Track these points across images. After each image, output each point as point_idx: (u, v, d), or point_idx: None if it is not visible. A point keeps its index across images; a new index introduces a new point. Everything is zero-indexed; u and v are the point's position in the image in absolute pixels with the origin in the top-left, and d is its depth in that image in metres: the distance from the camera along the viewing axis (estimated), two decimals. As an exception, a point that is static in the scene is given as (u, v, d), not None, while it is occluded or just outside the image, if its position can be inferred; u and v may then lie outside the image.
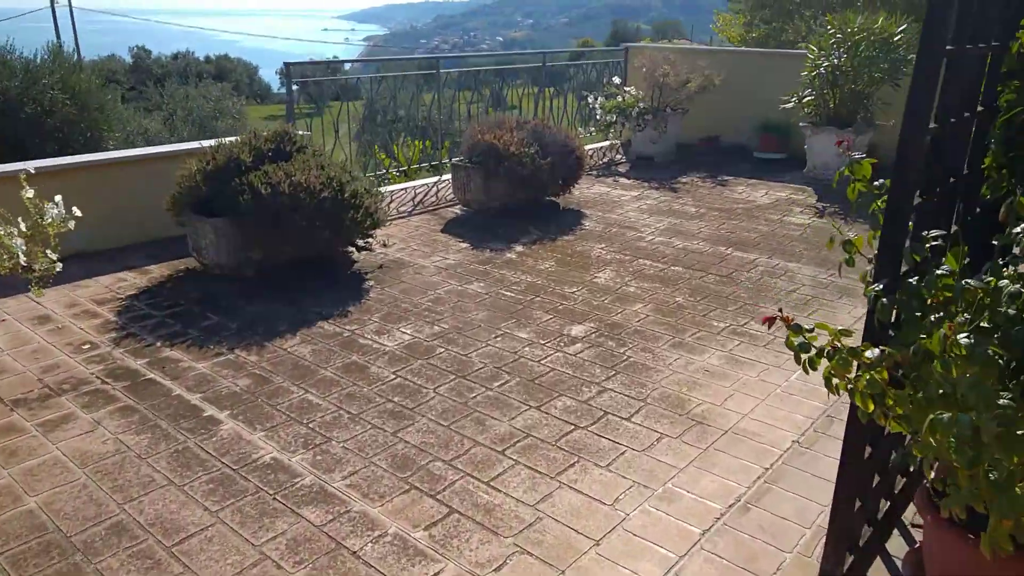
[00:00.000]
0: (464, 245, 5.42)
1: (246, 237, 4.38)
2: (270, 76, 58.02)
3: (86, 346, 3.68)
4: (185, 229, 4.56)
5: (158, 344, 3.71)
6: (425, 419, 3.04)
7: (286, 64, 6.23)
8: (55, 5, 20.93)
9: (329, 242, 4.56)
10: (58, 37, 20.43)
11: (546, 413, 3.09)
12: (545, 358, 3.59)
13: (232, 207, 4.31)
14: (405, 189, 7.15)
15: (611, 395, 3.24)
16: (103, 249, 5.09)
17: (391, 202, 6.65)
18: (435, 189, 7.12)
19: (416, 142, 9.17)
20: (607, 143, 8.94)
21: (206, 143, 5.19)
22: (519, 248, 5.35)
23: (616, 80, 8.53)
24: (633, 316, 4.11)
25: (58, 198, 3.58)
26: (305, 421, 3.02)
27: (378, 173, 8.39)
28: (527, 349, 3.69)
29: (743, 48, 9.24)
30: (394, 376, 3.40)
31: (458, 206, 6.53)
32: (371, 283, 4.58)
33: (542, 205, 6.45)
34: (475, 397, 3.21)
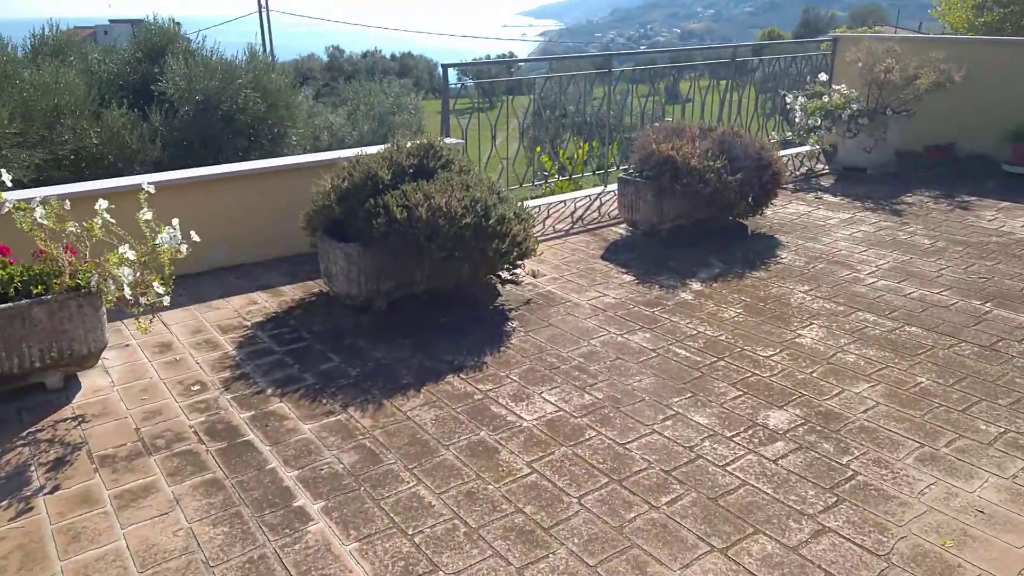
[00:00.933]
0: (628, 278, 4.55)
1: (379, 265, 3.83)
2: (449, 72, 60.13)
3: (196, 387, 3.28)
4: (318, 251, 4.11)
5: (269, 392, 3.23)
6: (563, 549, 2.24)
7: (443, 66, 5.69)
8: (263, 11, 22.52)
9: (470, 274, 3.90)
10: (264, 40, 22.02)
11: (736, 562, 2.18)
12: (733, 461, 2.66)
13: (366, 231, 3.77)
14: (564, 202, 6.38)
15: (833, 540, 2.25)
16: (245, 263, 4.81)
17: (547, 217, 5.91)
18: (598, 203, 6.29)
19: (584, 143, 8.40)
20: (805, 149, 7.61)
21: (347, 153, 4.75)
22: (696, 286, 4.39)
23: (823, 77, 7.18)
24: (856, 402, 3.04)
25: (175, 221, 3.20)
26: (411, 531, 2.34)
27: (537, 181, 7.71)
28: (707, 444, 2.77)
29: (987, 37, 7.52)
30: (529, 470, 2.64)
31: (623, 225, 5.66)
32: (515, 324, 3.86)
33: (725, 228, 5.41)
34: (633, 520, 2.37)
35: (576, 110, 30.84)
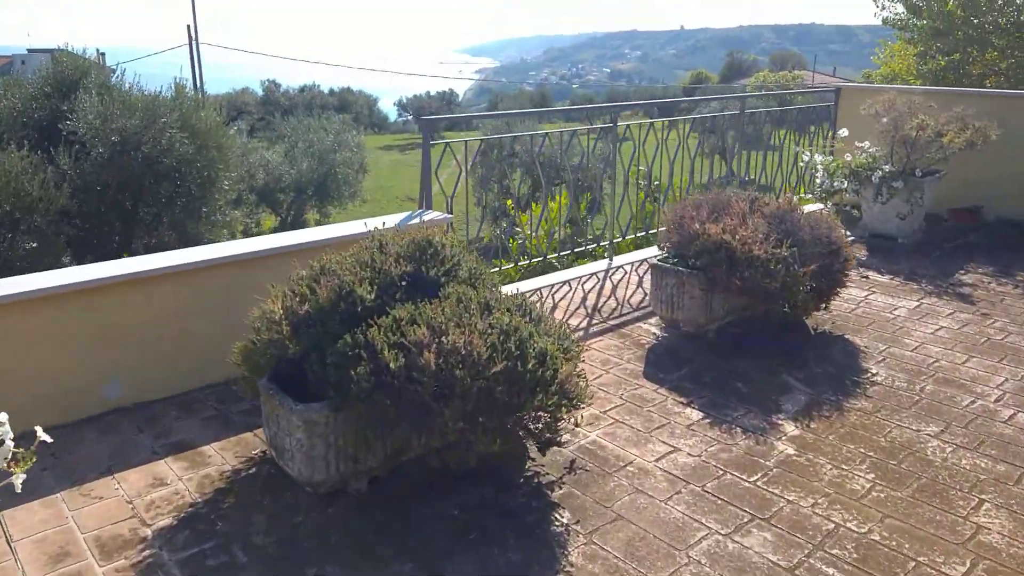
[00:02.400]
0: (694, 414, 3.37)
1: (359, 437, 2.52)
2: (388, 107, 58.77)
3: None
4: (262, 410, 2.76)
5: None
6: None
7: (422, 120, 4.46)
8: (192, 43, 20.88)
9: (501, 445, 2.63)
10: (193, 74, 20.31)
11: None
12: None
13: (339, 382, 2.47)
14: (567, 284, 5.21)
15: None
16: (153, 401, 3.40)
17: (552, 307, 4.71)
18: (608, 284, 5.15)
19: (560, 197, 7.26)
20: (820, 209, 6.69)
21: (303, 237, 3.48)
22: (790, 428, 3.24)
23: (844, 132, 6.29)
24: None
25: (3, 417, 1.84)
26: None
27: (505, 233, 6.50)
28: None
29: (1018, 92, 6.94)
30: None
31: (653, 318, 4.52)
32: (565, 517, 2.60)
33: (782, 325, 4.32)
34: None
35: (524, 149, 29.80)
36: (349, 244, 3.93)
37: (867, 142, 6.18)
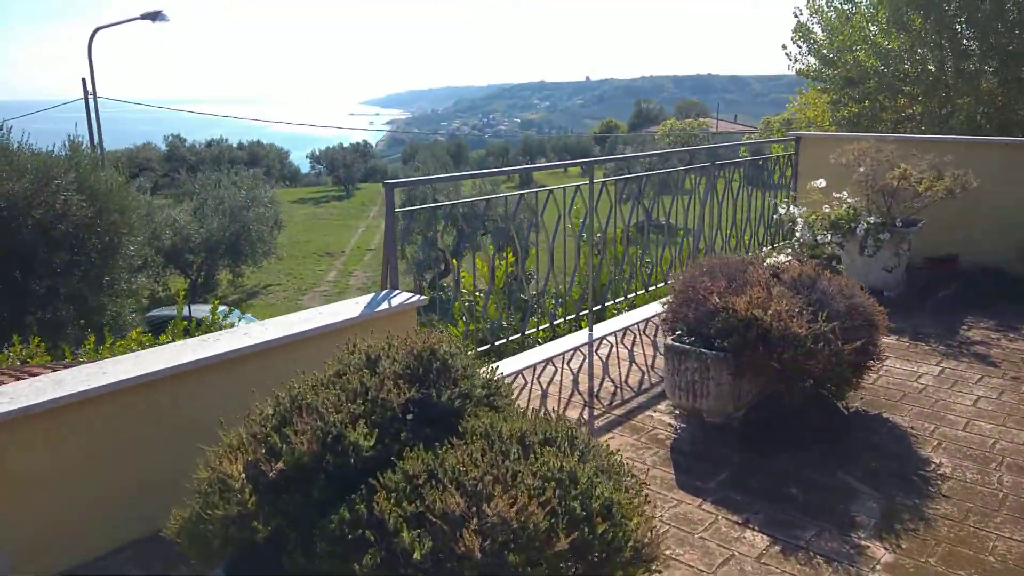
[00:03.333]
0: (758, 539, 2.72)
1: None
2: (299, 159, 57.28)
3: None
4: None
5: None
6: None
7: (385, 185, 3.73)
8: (89, 96, 19.36)
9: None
10: (91, 130, 18.75)
11: None
12: None
13: (331, 571, 1.69)
14: (550, 363, 4.54)
15: None
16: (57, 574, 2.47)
17: (543, 395, 4.03)
18: (597, 360, 4.52)
19: (508, 255, 6.62)
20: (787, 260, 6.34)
21: (238, 341, 2.70)
22: (878, 551, 2.63)
23: (820, 183, 5.99)
24: None
25: None
26: None
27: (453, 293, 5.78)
28: None
29: (993, 138, 6.94)
30: None
31: (662, 404, 3.90)
32: None
33: (813, 406, 3.78)
34: None
35: (447, 200, 29.46)
36: (312, 343, 3.17)
37: (844, 192, 5.89)
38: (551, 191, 4.68)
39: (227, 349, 2.89)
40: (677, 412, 3.82)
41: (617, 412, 3.87)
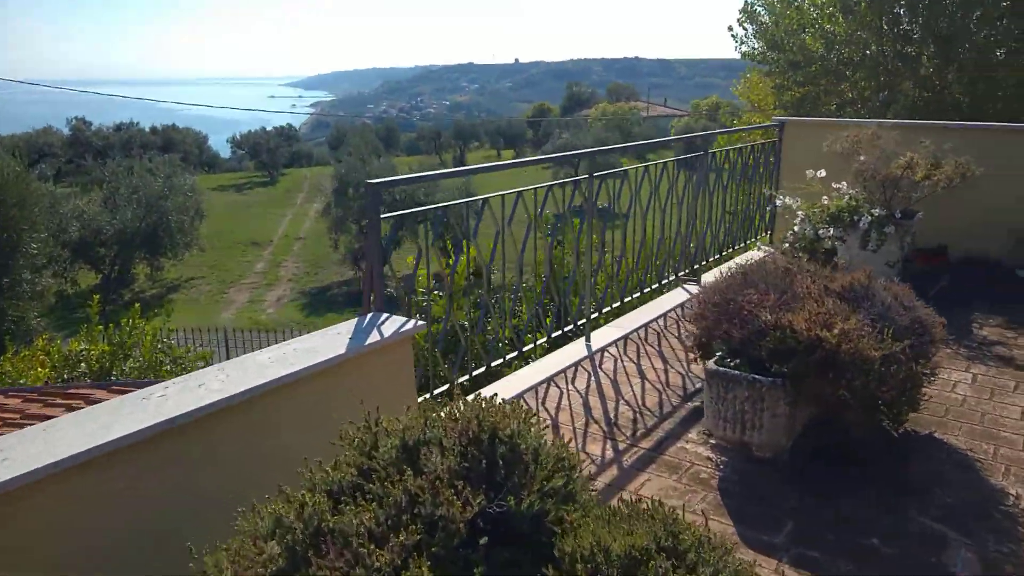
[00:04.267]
0: (866, 620, 2.25)
1: None
2: (219, 144, 54.36)
3: None
4: None
5: None
6: None
7: (368, 187, 3.04)
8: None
9: None
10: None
11: None
12: None
13: None
14: (552, 382, 3.98)
15: None
16: None
17: (554, 426, 3.46)
18: (605, 377, 3.97)
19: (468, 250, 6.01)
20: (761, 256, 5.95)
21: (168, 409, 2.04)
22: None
23: (820, 173, 5.60)
24: None
25: None
26: None
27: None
28: None
29: (985, 124, 6.71)
30: None
31: (692, 431, 3.40)
32: None
33: (861, 433, 3.34)
34: None
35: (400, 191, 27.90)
36: (289, 392, 2.50)
37: (843, 183, 5.53)
38: (550, 188, 4.08)
39: (176, 413, 2.19)
40: (712, 442, 3.32)
41: (644, 445, 3.34)
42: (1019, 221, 5.89)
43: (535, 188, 4.00)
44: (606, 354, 4.45)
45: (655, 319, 5.03)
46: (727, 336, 3.16)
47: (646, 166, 4.90)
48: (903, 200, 5.47)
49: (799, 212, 5.45)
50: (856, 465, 3.10)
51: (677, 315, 5.13)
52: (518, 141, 57.96)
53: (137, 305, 10.32)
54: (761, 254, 6.68)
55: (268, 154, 44.20)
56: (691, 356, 3.59)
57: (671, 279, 5.47)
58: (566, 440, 3.36)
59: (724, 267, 6.13)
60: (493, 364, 3.90)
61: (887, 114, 13.48)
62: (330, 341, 2.79)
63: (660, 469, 3.14)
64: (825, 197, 5.51)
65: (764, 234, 6.90)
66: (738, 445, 3.14)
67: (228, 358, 13.79)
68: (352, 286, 25.25)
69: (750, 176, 6.48)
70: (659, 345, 4.59)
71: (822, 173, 5.57)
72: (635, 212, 4.88)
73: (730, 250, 6.33)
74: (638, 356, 4.41)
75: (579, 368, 4.23)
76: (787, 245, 5.70)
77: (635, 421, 3.58)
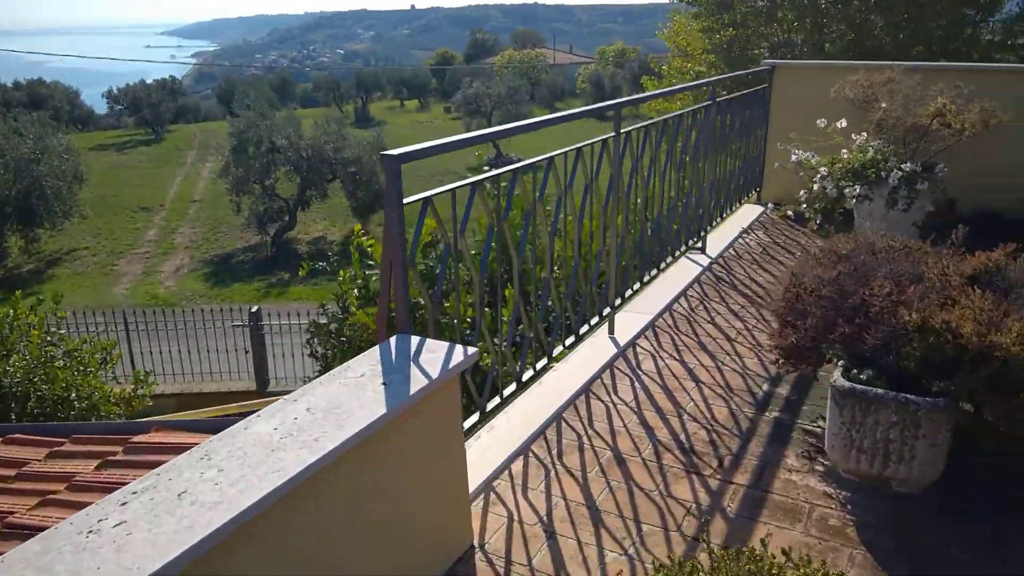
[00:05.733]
0: None
1: None
2: (93, 99, 49.22)
3: None
4: None
5: None
6: None
7: (385, 158, 2.11)
8: None
9: None
10: None
11: None
12: None
13: None
14: (589, 395, 3.22)
15: None
16: None
17: (617, 460, 2.71)
18: (645, 381, 3.24)
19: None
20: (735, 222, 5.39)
21: None
22: None
23: (841, 124, 4.99)
24: None
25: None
26: None
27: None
28: None
29: (986, 64, 6.18)
30: None
31: (791, 456, 2.74)
32: None
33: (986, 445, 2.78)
34: None
35: (289, 144, 26.20)
36: (314, 488, 1.62)
37: (864, 134, 4.95)
38: (579, 149, 3.22)
39: (153, 570, 1.27)
40: (819, 469, 2.67)
41: (741, 480, 2.64)
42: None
43: (564, 152, 3.14)
44: (639, 349, 3.72)
45: (676, 299, 4.34)
46: (850, 341, 2.47)
47: (665, 120, 4.12)
48: (923, 152, 4.97)
49: (821, 168, 4.84)
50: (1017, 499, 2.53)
51: (699, 294, 4.46)
52: (422, 91, 55.73)
53: (19, 292, 8.72)
54: (754, 214, 6.12)
55: (150, 109, 40.39)
56: (778, 363, 2.90)
57: (682, 250, 4.78)
58: (643, 483, 2.63)
59: (728, 229, 5.53)
60: (524, 378, 3.08)
61: (817, 57, 13.24)
62: (355, 393, 1.89)
63: (776, 515, 2.45)
64: (844, 151, 4.93)
65: (752, 192, 6.32)
66: (874, 480, 2.49)
67: (130, 345, 12.19)
68: (258, 252, 23.49)
69: (744, 128, 5.83)
70: (694, 333, 3.90)
71: (843, 123, 4.97)
72: (637, 177, 4.08)
73: (727, 213, 5.69)
74: (677, 350, 3.70)
75: (614, 370, 3.49)
76: (803, 206, 5.11)
77: (714, 445, 2.88)
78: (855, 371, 2.45)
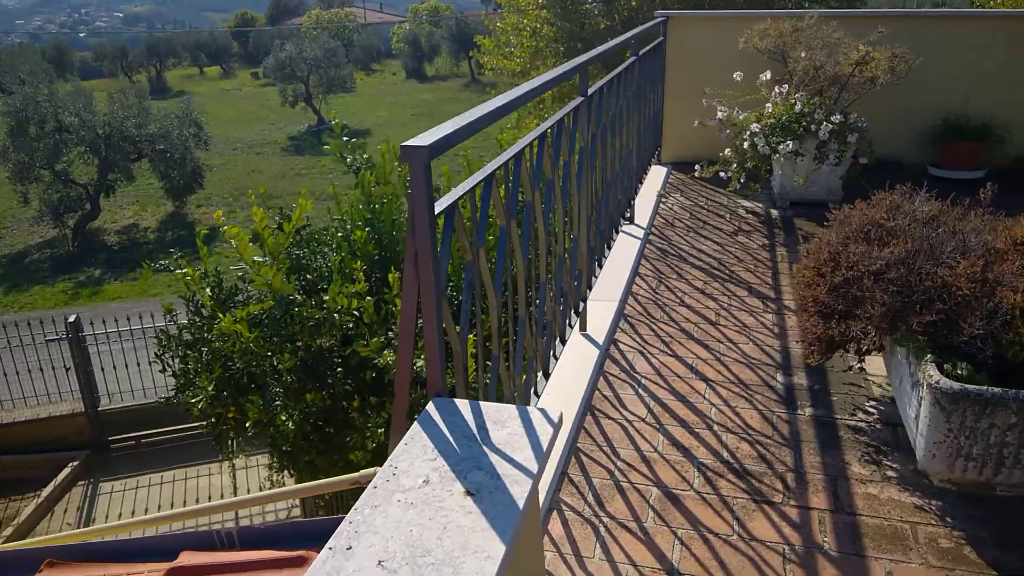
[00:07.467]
0: None
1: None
2: None
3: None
4: None
5: None
6: None
7: (406, 149, 1.37)
8: None
9: None
10: None
11: None
12: None
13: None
14: (595, 411, 2.68)
15: None
16: None
17: (660, 515, 2.21)
18: (650, 386, 2.77)
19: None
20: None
21: None
22: None
23: (766, 76, 4.70)
24: None
25: None
26: None
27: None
28: None
29: (908, 11, 6.06)
30: None
31: (852, 461, 2.38)
32: None
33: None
34: None
35: (80, 122, 22.97)
36: None
37: (786, 87, 4.73)
38: (561, 121, 2.58)
39: None
40: (891, 475, 2.33)
41: (818, 503, 2.22)
42: (924, 119, 5.54)
43: (530, 139, 2.49)
44: (621, 346, 3.21)
45: (631, 280, 3.88)
46: (938, 329, 2.11)
47: (618, 74, 3.57)
48: (842, 103, 4.85)
49: (753, 125, 4.56)
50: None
51: (652, 271, 4.02)
52: (224, 56, 50.81)
53: None
54: (661, 176, 5.80)
55: None
56: (812, 354, 2.51)
57: (621, 223, 4.31)
58: (714, 526, 2.13)
59: (645, 196, 5.13)
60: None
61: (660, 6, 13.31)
62: (437, 519, 1.19)
63: (881, 545, 2.06)
64: (769, 104, 4.69)
65: (652, 160, 6.00)
66: (979, 488, 2.17)
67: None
68: (58, 248, 20.30)
69: (650, 85, 5.44)
70: (671, 320, 3.46)
71: (767, 75, 4.71)
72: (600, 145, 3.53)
73: (643, 178, 5.31)
74: (663, 343, 3.24)
75: (608, 377, 2.95)
76: (734, 166, 4.83)
77: (765, 460, 2.44)
78: (947, 366, 2.10)
